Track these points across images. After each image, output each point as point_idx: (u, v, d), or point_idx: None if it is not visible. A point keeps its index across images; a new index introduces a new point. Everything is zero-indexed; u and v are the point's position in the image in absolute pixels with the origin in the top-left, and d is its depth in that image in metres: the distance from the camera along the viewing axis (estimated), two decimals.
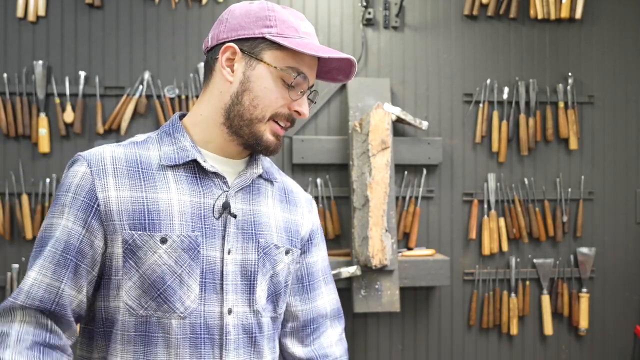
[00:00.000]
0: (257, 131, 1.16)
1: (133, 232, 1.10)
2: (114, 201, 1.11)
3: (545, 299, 3.00)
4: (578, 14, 3.01)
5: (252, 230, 1.21)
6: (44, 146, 2.74)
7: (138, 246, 1.10)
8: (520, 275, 3.01)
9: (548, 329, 2.99)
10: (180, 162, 1.16)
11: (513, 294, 2.98)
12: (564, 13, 3.00)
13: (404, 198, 2.93)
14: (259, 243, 1.21)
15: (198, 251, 1.13)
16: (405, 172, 2.93)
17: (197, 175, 1.17)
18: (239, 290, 1.18)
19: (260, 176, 1.25)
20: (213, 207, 1.16)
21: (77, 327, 1.15)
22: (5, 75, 2.75)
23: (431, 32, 3.00)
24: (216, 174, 1.18)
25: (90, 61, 2.82)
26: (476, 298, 2.99)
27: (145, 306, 1.11)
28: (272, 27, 1.14)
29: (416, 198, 2.94)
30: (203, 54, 1.23)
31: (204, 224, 1.15)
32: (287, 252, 1.26)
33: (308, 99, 1.20)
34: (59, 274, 1.08)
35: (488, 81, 3.00)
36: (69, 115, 2.76)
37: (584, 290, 3.02)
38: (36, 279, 1.08)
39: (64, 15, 2.81)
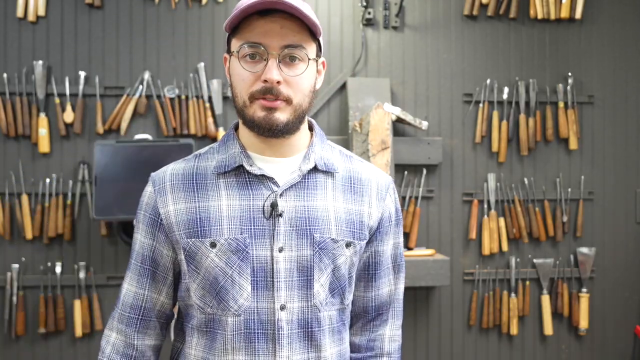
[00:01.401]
0: (248, 116, 1.19)
1: (189, 240, 1.21)
2: (173, 214, 1.23)
3: (545, 299, 3.00)
4: (578, 14, 3.01)
5: (306, 226, 1.22)
6: (44, 146, 2.74)
7: (194, 252, 1.21)
8: (520, 275, 3.01)
9: (548, 329, 2.99)
10: (229, 169, 1.23)
11: (513, 294, 2.98)
12: (564, 13, 3.00)
13: (404, 198, 2.93)
14: (313, 238, 1.21)
15: (247, 252, 1.19)
16: (405, 172, 2.93)
17: (247, 179, 1.23)
18: (295, 286, 1.21)
19: (316, 169, 1.25)
20: (263, 208, 1.20)
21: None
22: (5, 75, 2.75)
23: (431, 32, 3.00)
24: (263, 176, 1.22)
25: (90, 61, 2.82)
26: (476, 298, 2.99)
27: (210, 304, 1.21)
28: (229, 20, 1.18)
29: (416, 198, 2.94)
30: None
31: (253, 225, 1.20)
32: (347, 245, 1.25)
33: (288, 60, 1.17)
34: (142, 283, 1.27)
35: (488, 81, 3.00)
36: (69, 115, 2.76)
37: (584, 290, 3.02)
38: (127, 289, 1.28)
39: (64, 15, 2.81)
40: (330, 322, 1.24)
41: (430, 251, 2.85)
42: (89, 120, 2.80)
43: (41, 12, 2.77)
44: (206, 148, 1.31)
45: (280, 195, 1.21)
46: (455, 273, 2.99)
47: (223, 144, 1.29)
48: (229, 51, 1.23)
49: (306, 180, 1.24)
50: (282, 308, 1.20)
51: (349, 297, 1.29)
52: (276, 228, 1.20)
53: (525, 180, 3.01)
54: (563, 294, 3.02)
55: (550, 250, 3.05)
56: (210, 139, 2.83)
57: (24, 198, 2.74)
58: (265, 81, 1.16)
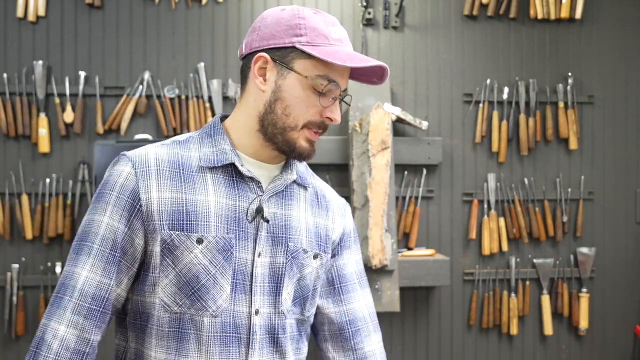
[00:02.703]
0: (290, 139, 1.19)
1: (171, 232, 1.15)
2: (155, 202, 1.15)
3: (545, 299, 3.00)
4: (578, 14, 3.01)
5: (282, 234, 1.24)
6: (44, 146, 2.74)
7: (175, 246, 1.15)
8: (520, 275, 3.01)
9: (548, 329, 2.99)
10: (219, 165, 1.20)
11: (513, 294, 2.98)
12: (564, 13, 3.00)
13: (404, 198, 2.93)
14: (288, 247, 1.24)
15: (231, 253, 1.18)
16: (405, 172, 2.93)
17: (234, 179, 1.21)
18: (266, 292, 1.22)
19: (294, 181, 1.28)
20: (247, 211, 1.20)
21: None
22: (5, 75, 2.75)
23: (431, 32, 3.00)
24: (252, 178, 1.22)
25: (90, 61, 2.82)
26: (476, 298, 2.99)
27: (180, 303, 1.15)
28: (302, 35, 1.17)
29: (416, 198, 2.94)
30: (239, 60, 1.26)
31: (238, 227, 1.19)
32: (315, 257, 1.28)
33: (343, 101, 1.24)
34: (109, 271, 1.14)
35: (488, 81, 3.00)
36: (69, 115, 2.76)
37: (584, 290, 3.02)
38: (88, 277, 1.14)
39: (64, 15, 2.81)
40: (292, 330, 1.26)
41: (430, 251, 2.85)
42: (89, 120, 2.80)
43: (41, 12, 2.77)
44: (185, 136, 1.25)
45: (265, 200, 1.22)
46: (455, 273, 2.99)
47: (208, 136, 1.24)
48: (285, 63, 1.18)
49: (286, 190, 1.26)
50: (257, 313, 1.20)
51: (310, 310, 1.30)
52: (258, 233, 1.21)
53: (525, 180, 3.01)
54: (563, 294, 3.02)
55: (550, 250, 3.05)
56: None
57: (24, 198, 2.74)
58: (328, 119, 1.20)
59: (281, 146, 1.20)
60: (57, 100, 2.76)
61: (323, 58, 1.14)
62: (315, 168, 2.89)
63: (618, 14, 3.09)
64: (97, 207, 1.16)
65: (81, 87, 2.77)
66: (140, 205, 1.15)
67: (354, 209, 2.72)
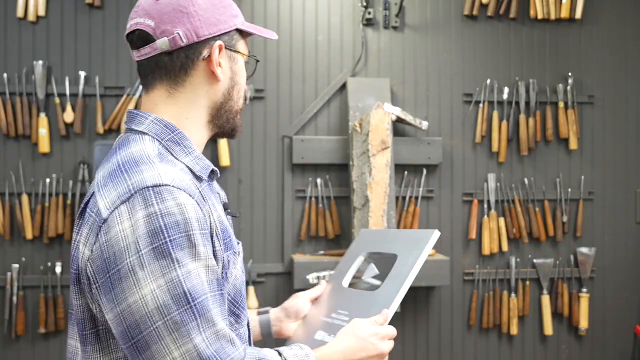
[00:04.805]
0: (238, 120, 1.18)
1: (226, 253, 1.06)
2: (214, 226, 1.03)
3: (545, 299, 3.00)
4: (578, 14, 3.01)
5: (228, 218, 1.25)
6: (44, 146, 2.74)
7: (227, 266, 1.06)
8: (520, 275, 3.01)
9: (548, 329, 2.99)
10: (207, 173, 1.10)
11: (513, 294, 2.98)
12: (564, 13, 3.00)
13: (404, 198, 2.93)
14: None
15: (240, 255, 1.17)
16: (405, 172, 2.93)
17: (208, 183, 1.13)
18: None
19: None
20: (224, 209, 1.18)
21: None
22: (5, 75, 2.75)
23: (431, 32, 3.00)
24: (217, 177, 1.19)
25: (90, 61, 2.82)
26: (476, 298, 2.99)
27: (229, 324, 1.07)
28: (237, 15, 1.14)
29: (416, 198, 2.94)
30: (165, 51, 1.07)
31: (231, 228, 1.17)
32: None
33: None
34: (224, 313, 1.01)
35: (488, 81, 3.00)
36: (69, 115, 2.76)
37: (584, 290, 3.02)
38: (223, 329, 0.96)
39: (64, 15, 2.81)
40: None
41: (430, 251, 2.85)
42: (89, 120, 2.80)
43: (41, 12, 2.77)
44: (153, 148, 1.05)
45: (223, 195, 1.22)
46: (455, 273, 2.99)
47: (176, 144, 1.08)
48: (233, 47, 1.12)
49: None
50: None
51: None
52: (233, 227, 1.20)
53: (525, 180, 3.01)
54: (563, 294, 3.02)
55: (550, 250, 3.05)
56: (209, 138, 2.83)
57: (24, 198, 2.74)
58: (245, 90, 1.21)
59: (227, 130, 1.17)
60: (57, 100, 2.76)
61: (265, 35, 1.16)
62: (315, 168, 2.90)
63: (618, 14, 3.09)
64: (182, 256, 0.94)
65: (81, 87, 2.77)
66: (212, 233, 1.02)
67: (354, 209, 2.73)
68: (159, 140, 1.07)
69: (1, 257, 2.77)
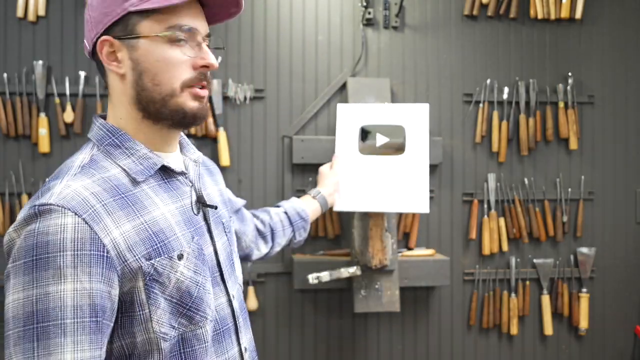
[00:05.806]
0: (176, 106, 1.10)
1: (151, 261, 1.03)
2: (121, 240, 1.00)
3: (545, 299, 3.00)
4: (578, 14, 3.01)
5: (216, 214, 1.25)
6: (44, 146, 2.74)
7: (159, 273, 1.04)
8: (520, 275, 3.01)
9: (548, 329, 2.99)
10: (152, 173, 1.10)
11: (513, 294, 2.98)
12: (564, 13, 3.00)
13: None
14: (223, 224, 1.27)
15: (203, 253, 1.15)
16: None
17: (165, 180, 1.14)
18: (229, 273, 1.23)
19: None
20: (191, 206, 1.16)
21: None
22: (5, 75, 2.75)
23: (431, 32, 3.00)
24: (182, 172, 1.17)
25: (90, 61, 2.81)
26: (476, 298, 2.99)
27: (177, 326, 1.07)
28: None
29: None
30: (90, 60, 1.12)
31: (194, 225, 1.15)
32: (231, 221, 1.37)
33: (216, 48, 1.18)
34: (96, 342, 0.95)
35: (488, 81, 3.00)
36: (69, 115, 2.76)
37: (584, 290, 3.02)
38: (75, 358, 0.92)
39: (64, 15, 2.81)
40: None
41: (430, 251, 2.85)
42: (89, 120, 2.80)
43: (41, 12, 2.77)
44: (85, 157, 1.08)
45: (198, 188, 1.21)
46: (455, 273, 2.99)
47: (117, 147, 1.09)
48: (129, 34, 1.07)
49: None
50: (233, 297, 1.21)
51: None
52: (209, 222, 1.20)
53: (525, 180, 3.01)
54: (563, 294, 3.02)
55: (550, 250, 3.05)
56: (210, 139, 2.83)
57: (24, 198, 2.73)
58: (205, 67, 1.11)
59: (172, 118, 1.11)
60: (57, 100, 2.76)
61: (160, 5, 1.04)
62: (316, 168, 2.90)
63: (618, 14, 3.09)
64: (44, 277, 0.92)
65: (81, 87, 2.77)
66: (107, 252, 0.98)
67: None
68: (98, 146, 1.10)
69: (1, 257, 2.76)
